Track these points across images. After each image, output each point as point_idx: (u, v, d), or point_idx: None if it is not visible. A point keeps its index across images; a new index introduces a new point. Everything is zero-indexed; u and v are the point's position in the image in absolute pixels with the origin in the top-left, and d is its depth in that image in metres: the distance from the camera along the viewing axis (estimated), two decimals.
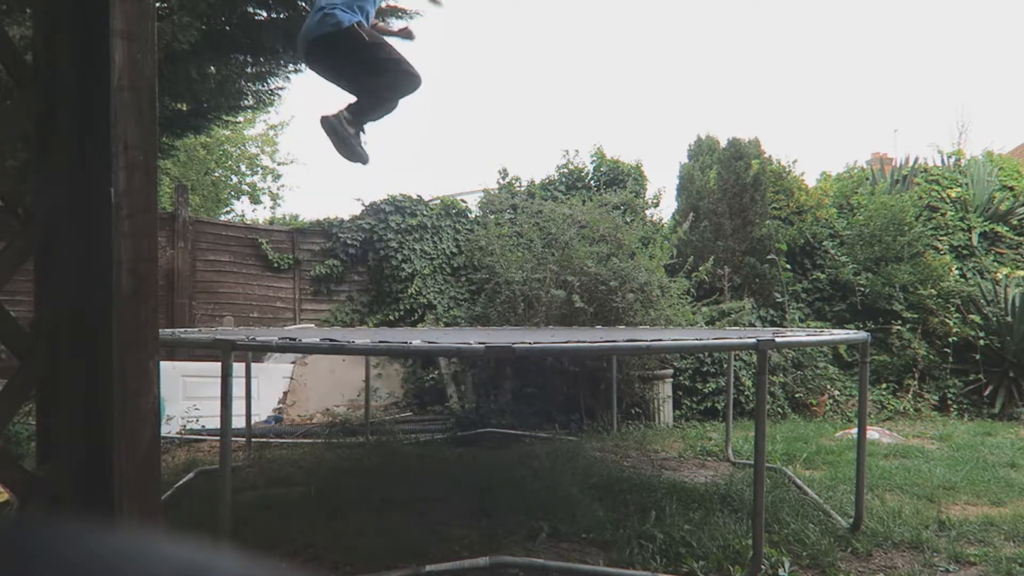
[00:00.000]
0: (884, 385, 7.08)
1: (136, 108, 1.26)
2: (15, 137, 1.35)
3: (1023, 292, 7.14)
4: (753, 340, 2.71)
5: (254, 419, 5.38)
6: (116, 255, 1.22)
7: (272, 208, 16.57)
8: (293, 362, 6.62)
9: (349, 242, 7.76)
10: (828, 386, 6.90)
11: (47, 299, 1.27)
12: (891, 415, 6.75)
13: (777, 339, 2.78)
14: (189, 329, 5.27)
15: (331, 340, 2.80)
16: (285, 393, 6.53)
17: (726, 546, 2.87)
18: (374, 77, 3.36)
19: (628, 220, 7.01)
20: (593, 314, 6.01)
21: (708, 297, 7.18)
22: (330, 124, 3.35)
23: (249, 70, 5.61)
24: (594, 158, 8.39)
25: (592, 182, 8.26)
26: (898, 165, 9.82)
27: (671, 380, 6.30)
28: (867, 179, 9.06)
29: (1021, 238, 8.31)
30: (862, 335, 3.50)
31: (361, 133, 3.44)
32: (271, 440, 5.39)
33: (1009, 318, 7.06)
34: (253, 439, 4.93)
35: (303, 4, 4.59)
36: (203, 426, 5.58)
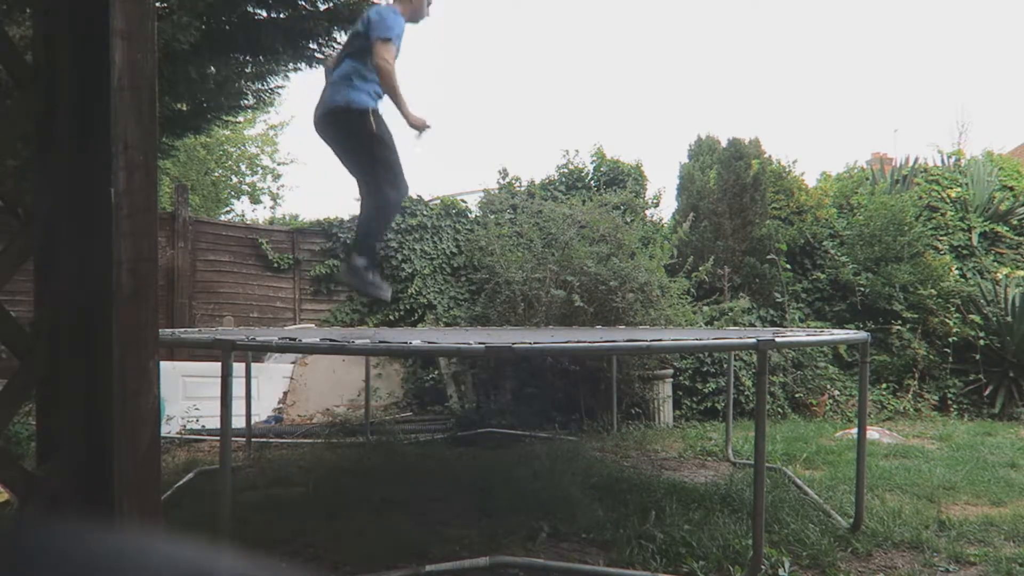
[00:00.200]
0: (884, 385, 7.08)
1: (136, 108, 1.26)
2: (15, 137, 1.34)
3: (1023, 292, 7.14)
4: (753, 340, 2.70)
5: (254, 419, 5.37)
6: (116, 255, 1.22)
7: (272, 208, 16.60)
8: (293, 362, 6.62)
9: (349, 242, 7.77)
10: (828, 386, 6.89)
11: (47, 299, 1.27)
12: (891, 415, 6.75)
13: (777, 339, 2.77)
14: (189, 329, 5.26)
15: (331, 340, 2.80)
16: (285, 393, 6.53)
17: (726, 546, 2.87)
18: (364, 170, 3.53)
19: (628, 220, 7.01)
20: (593, 314, 6.01)
21: (708, 297, 7.18)
22: (346, 267, 3.60)
23: (249, 70, 5.61)
24: (594, 158, 8.38)
25: (592, 182, 8.25)
26: (898, 165, 9.81)
27: (671, 380, 6.30)
28: (867, 179, 9.05)
29: (1021, 238, 8.30)
30: (862, 335, 3.49)
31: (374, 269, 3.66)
32: (271, 440, 5.39)
33: (1009, 318, 7.06)
34: (253, 439, 4.93)
35: (303, 3, 4.59)
36: (203, 426, 5.58)
